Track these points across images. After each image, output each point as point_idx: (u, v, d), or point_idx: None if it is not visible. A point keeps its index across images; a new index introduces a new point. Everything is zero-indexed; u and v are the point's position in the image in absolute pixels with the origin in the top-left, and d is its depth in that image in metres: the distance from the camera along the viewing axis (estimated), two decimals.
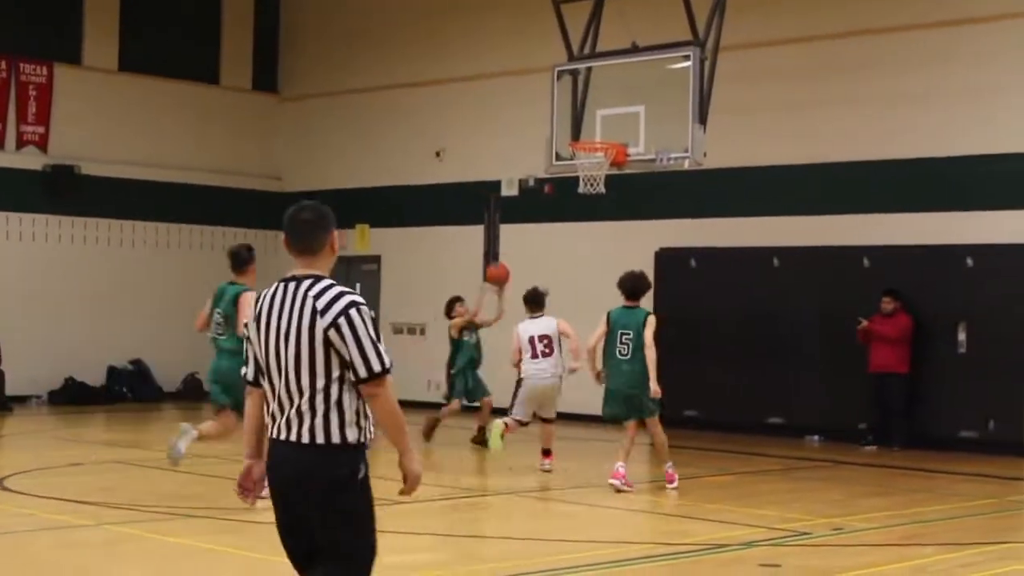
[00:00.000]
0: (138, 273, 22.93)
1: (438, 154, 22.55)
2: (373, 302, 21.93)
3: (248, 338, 5.37)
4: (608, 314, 13.12)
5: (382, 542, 5.40)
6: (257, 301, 5.33)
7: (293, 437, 5.15)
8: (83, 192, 22.09)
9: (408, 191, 22.69)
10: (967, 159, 17.24)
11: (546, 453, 14.47)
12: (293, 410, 5.15)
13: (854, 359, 17.53)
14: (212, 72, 24.28)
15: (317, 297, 5.13)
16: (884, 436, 17.31)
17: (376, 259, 23.08)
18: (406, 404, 6.01)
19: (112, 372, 22.53)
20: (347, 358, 5.10)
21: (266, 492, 5.39)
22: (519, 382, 14.59)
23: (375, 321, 5.15)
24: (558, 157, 16.26)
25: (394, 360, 5.34)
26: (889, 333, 17.19)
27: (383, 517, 5.51)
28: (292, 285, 5.22)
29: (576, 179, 15.88)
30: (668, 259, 19.13)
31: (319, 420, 5.12)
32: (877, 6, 18.06)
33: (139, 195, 22.83)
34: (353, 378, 5.12)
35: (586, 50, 16.35)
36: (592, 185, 15.62)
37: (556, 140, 16.24)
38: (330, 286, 5.17)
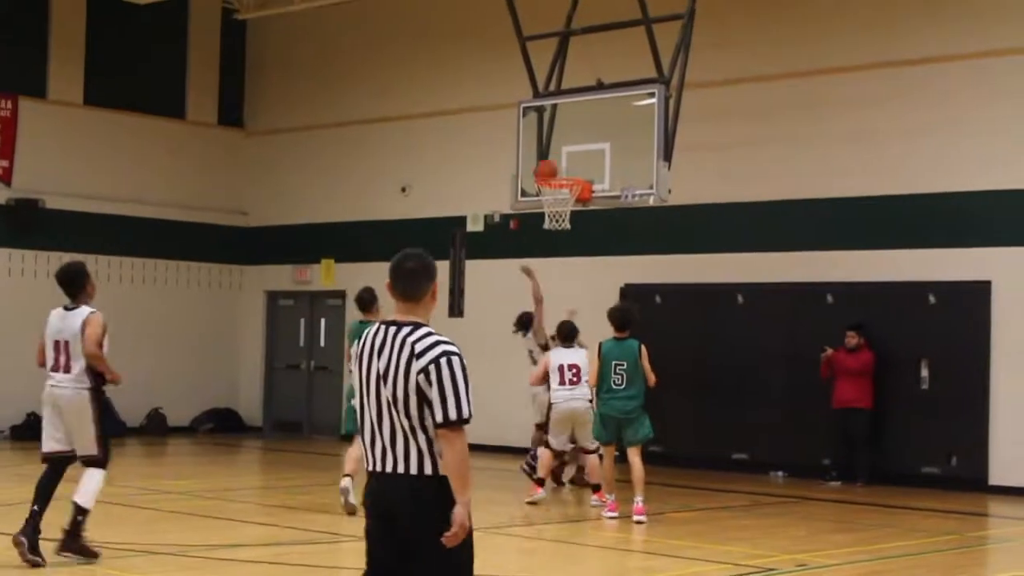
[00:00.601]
0: (102, 308, 22.59)
1: (403, 189, 22.58)
2: (338, 337, 21.85)
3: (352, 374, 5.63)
4: (600, 345, 13.76)
5: None
6: (360, 341, 5.53)
7: (389, 468, 5.35)
8: (47, 226, 21.98)
9: (374, 226, 22.68)
10: (930, 196, 17.38)
11: (596, 489, 14.55)
12: (389, 445, 5.35)
13: (818, 395, 17.59)
14: (178, 106, 24.23)
15: (416, 343, 5.34)
16: (848, 471, 17.37)
17: (341, 294, 23.01)
18: None
19: None
20: (430, 399, 5.26)
21: None
22: (550, 407, 14.88)
23: (465, 371, 5.31)
24: (524, 193, 16.30)
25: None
26: (853, 367, 17.26)
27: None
28: (393, 329, 5.42)
29: (542, 215, 15.92)
30: (633, 295, 19.15)
31: (414, 455, 5.31)
32: (839, 46, 18.20)
33: (104, 229, 22.72)
34: (431, 420, 5.28)
35: (552, 87, 16.40)
36: (558, 221, 15.67)
37: (522, 176, 16.29)
38: (429, 334, 5.38)
